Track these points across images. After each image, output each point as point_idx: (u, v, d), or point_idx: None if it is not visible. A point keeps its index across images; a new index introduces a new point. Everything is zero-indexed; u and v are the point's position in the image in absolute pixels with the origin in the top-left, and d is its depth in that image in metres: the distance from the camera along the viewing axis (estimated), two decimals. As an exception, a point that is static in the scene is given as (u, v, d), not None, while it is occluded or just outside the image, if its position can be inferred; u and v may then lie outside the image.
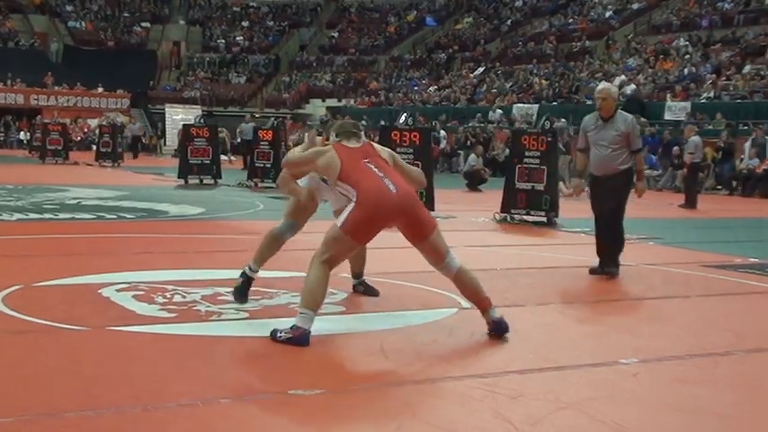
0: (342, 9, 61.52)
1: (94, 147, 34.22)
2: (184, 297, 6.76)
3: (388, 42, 56.07)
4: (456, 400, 4.54)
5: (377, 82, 50.25)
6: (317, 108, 49.71)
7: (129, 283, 7.24)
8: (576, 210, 16.11)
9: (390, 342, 5.58)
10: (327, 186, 6.41)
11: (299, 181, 6.60)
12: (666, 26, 39.67)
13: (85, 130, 44.16)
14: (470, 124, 35.44)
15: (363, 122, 39.06)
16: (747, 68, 31.35)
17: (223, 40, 58.03)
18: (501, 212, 14.01)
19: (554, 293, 7.64)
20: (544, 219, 13.49)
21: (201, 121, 24.66)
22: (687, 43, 36.10)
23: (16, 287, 6.90)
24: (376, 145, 6.05)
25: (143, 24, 58.17)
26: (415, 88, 46.05)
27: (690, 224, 15.32)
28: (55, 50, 53.43)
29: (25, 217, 12.57)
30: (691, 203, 18.50)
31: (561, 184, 16.06)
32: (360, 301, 6.92)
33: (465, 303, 6.26)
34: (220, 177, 22.18)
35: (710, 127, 27.24)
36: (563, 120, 30.65)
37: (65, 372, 4.73)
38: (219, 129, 31.26)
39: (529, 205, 13.68)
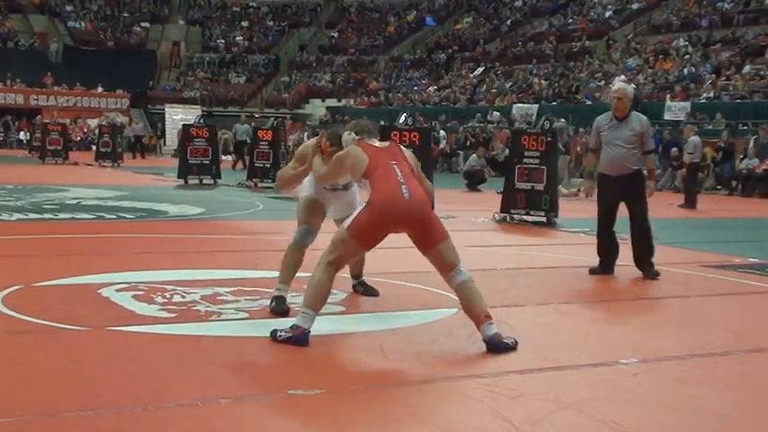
0: (341, 9, 61.54)
1: (94, 147, 34.22)
2: (184, 297, 6.75)
3: (387, 42, 56.09)
4: (456, 401, 4.54)
5: (376, 82, 50.27)
6: (316, 108, 49.76)
7: (128, 283, 7.24)
8: (576, 210, 16.10)
9: (390, 342, 5.58)
10: (329, 193, 6.40)
11: (302, 188, 6.54)
12: (666, 26, 39.69)
13: (85, 130, 44.17)
14: (470, 124, 35.45)
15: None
16: (747, 68, 31.37)
17: (223, 40, 58.05)
18: (500, 212, 14.01)
19: (554, 293, 7.63)
20: (544, 219, 13.49)
21: (201, 121, 24.67)
22: (687, 43, 36.12)
23: (16, 287, 6.90)
24: (402, 147, 5.98)
25: (143, 24, 58.19)
26: (415, 88, 46.07)
27: (689, 224, 15.32)
28: (54, 50, 53.44)
29: (25, 217, 12.57)
30: (690, 203, 18.50)
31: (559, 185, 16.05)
32: (360, 302, 6.92)
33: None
34: (220, 177, 22.19)
35: (710, 127, 27.25)
36: (562, 120, 30.64)
37: (65, 372, 4.73)
38: (224, 131, 31.31)
39: (528, 205, 13.68)
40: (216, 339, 5.55)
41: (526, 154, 13.80)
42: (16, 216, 12.59)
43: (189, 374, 4.76)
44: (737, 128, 26.89)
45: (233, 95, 52.56)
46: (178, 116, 42.57)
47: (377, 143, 5.87)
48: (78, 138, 42.14)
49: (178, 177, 21.85)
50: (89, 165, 29.76)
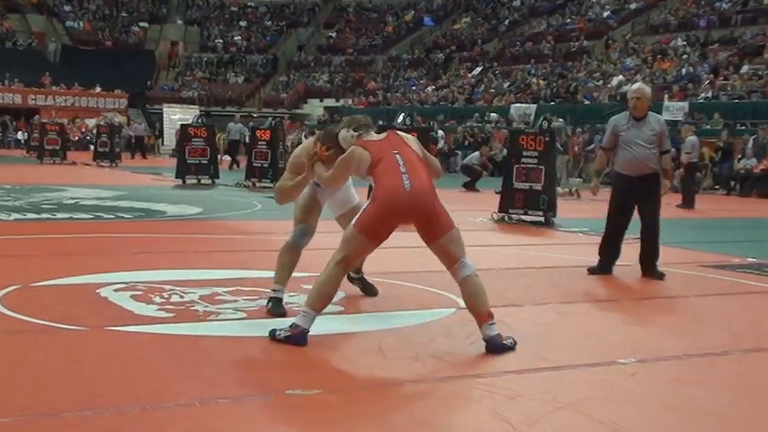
0: (340, 9, 61.56)
1: (92, 147, 34.21)
2: (182, 297, 6.75)
3: (385, 42, 56.10)
4: (454, 400, 4.55)
5: (375, 82, 50.28)
6: (314, 108, 49.77)
7: (126, 282, 7.24)
8: (574, 210, 16.13)
9: (388, 342, 5.58)
10: (326, 191, 6.36)
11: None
12: (664, 26, 39.71)
13: (83, 129, 44.14)
14: (468, 124, 35.45)
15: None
16: (745, 68, 31.38)
17: (221, 40, 58.05)
18: (499, 212, 14.01)
19: (552, 293, 7.64)
20: (542, 218, 13.49)
21: (199, 121, 24.66)
22: (685, 43, 36.14)
23: (14, 287, 6.89)
24: (400, 133, 5.87)
25: (141, 24, 58.21)
26: (413, 88, 46.09)
27: (687, 224, 15.32)
28: (53, 50, 53.45)
29: (23, 217, 12.56)
30: (688, 203, 18.51)
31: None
32: (358, 301, 6.92)
33: (463, 303, 6.25)
34: (218, 177, 22.18)
35: (708, 127, 27.25)
36: (561, 120, 30.65)
37: (63, 372, 4.73)
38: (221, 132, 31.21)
39: (527, 205, 13.69)
40: (214, 339, 5.55)
41: (524, 154, 13.80)
42: (14, 216, 12.59)
43: (187, 374, 4.76)
44: (735, 128, 26.89)
45: (231, 95, 52.57)
46: (176, 116, 42.54)
47: (375, 136, 5.76)
48: (76, 137, 42.11)
49: (176, 177, 21.86)
50: (87, 165, 29.76)
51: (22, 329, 5.63)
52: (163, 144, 44.01)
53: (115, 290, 6.93)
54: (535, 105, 35.02)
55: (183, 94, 51.47)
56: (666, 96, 31.07)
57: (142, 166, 29.83)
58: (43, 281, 7.25)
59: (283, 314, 6.09)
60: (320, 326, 5.56)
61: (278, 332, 5.39)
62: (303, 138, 34.35)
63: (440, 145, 32.73)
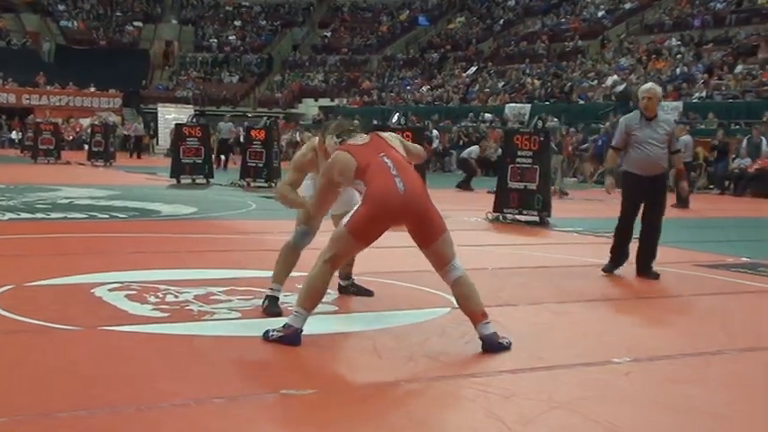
0: (334, 8, 61.54)
1: (86, 146, 34.16)
2: (177, 297, 6.75)
3: (380, 42, 56.10)
4: (448, 400, 4.55)
5: (369, 81, 50.26)
6: (309, 108, 49.73)
7: (121, 282, 7.23)
8: (569, 209, 16.14)
9: (383, 342, 5.58)
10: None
11: (302, 190, 6.44)
12: (659, 26, 39.74)
13: (77, 129, 44.06)
14: (463, 124, 35.46)
15: (356, 122, 39.06)
16: (739, 68, 31.41)
17: (215, 40, 57.99)
18: (493, 212, 14.02)
19: (546, 293, 7.64)
20: (536, 218, 13.50)
21: (194, 120, 24.61)
22: (679, 43, 36.16)
23: (8, 287, 6.89)
24: (383, 134, 5.83)
25: (135, 24, 58.14)
26: (408, 88, 46.08)
27: (682, 224, 15.33)
28: (47, 50, 53.36)
29: (17, 216, 12.54)
30: (683, 203, 18.51)
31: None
32: (352, 301, 6.92)
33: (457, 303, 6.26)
34: (213, 177, 22.18)
35: (703, 127, 27.28)
36: (555, 119, 30.66)
37: (58, 372, 4.72)
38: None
39: (521, 205, 13.69)
40: (209, 339, 5.55)
41: (519, 153, 13.81)
42: (8, 215, 12.57)
43: (182, 374, 4.75)
44: (729, 127, 26.93)
45: (226, 95, 52.52)
46: (171, 115, 42.48)
47: (359, 140, 5.68)
48: (71, 137, 42.03)
49: (171, 177, 21.83)
50: (81, 164, 29.72)
51: (17, 329, 5.62)
52: (157, 144, 43.97)
53: (110, 289, 6.92)
54: (530, 105, 35.04)
55: (178, 93, 51.40)
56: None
57: (136, 166, 29.80)
58: (38, 281, 7.24)
59: (279, 314, 6.08)
60: (314, 326, 5.56)
61: (271, 333, 5.39)
62: (297, 137, 34.39)
63: (435, 144, 32.76)
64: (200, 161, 21.98)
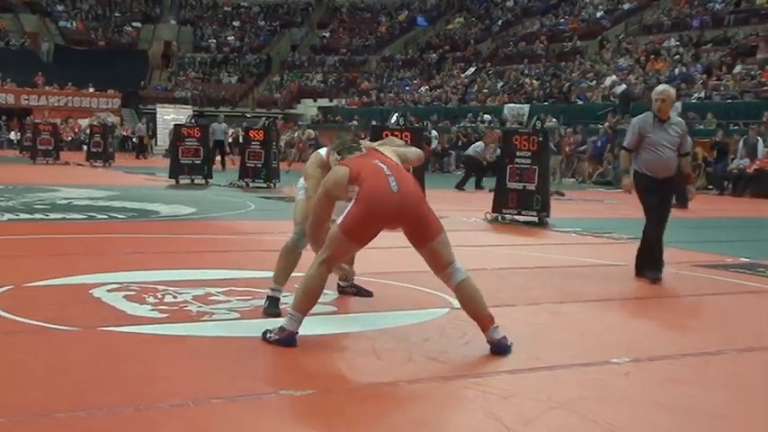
0: (333, 9, 61.55)
1: (85, 147, 34.16)
2: (175, 297, 6.74)
3: (379, 42, 56.12)
4: (448, 400, 4.54)
5: (368, 82, 50.29)
6: (308, 108, 49.75)
7: (120, 283, 7.23)
8: (567, 210, 16.14)
9: (382, 342, 5.58)
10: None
11: (300, 190, 6.42)
12: (657, 26, 39.75)
13: (76, 130, 44.05)
14: (462, 124, 35.47)
15: (354, 122, 39.12)
16: (738, 68, 31.42)
17: (214, 40, 57.99)
18: (492, 212, 14.01)
19: (545, 293, 7.64)
20: (535, 219, 13.49)
21: (193, 121, 24.59)
22: (678, 43, 36.17)
23: (7, 287, 6.88)
24: (379, 147, 5.78)
25: (134, 24, 58.14)
26: (407, 88, 46.11)
27: (681, 224, 15.31)
28: (46, 50, 53.32)
29: (16, 217, 12.54)
30: (682, 203, 18.51)
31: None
32: (351, 302, 6.92)
33: (457, 303, 6.25)
34: (211, 177, 22.17)
35: (701, 127, 27.28)
36: (554, 120, 30.69)
37: (56, 372, 4.72)
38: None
39: (520, 205, 13.69)
40: (207, 340, 5.55)
41: (518, 154, 13.80)
42: (7, 216, 12.56)
43: (180, 375, 4.75)
44: (728, 128, 26.94)
45: (224, 95, 52.51)
46: (169, 116, 42.48)
47: (357, 154, 5.66)
48: (69, 138, 42.01)
49: (169, 177, 21.83)
50: (80, 165, 29.71)
51: (16, 330, 5.62)
52: (156, 144, 43.97)
53: (108, 290, 6.92)
54: (528, 105, 35.06)
55: (177, 94, 51.38)
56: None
57: (135, 167, 29.79)
58: (36, 281, 7.24)
59: (278, 314, 6.08)
60: (313, 326, 5.56)
61: (269, 334, 5.39)
62: (296, 137, 34.36)
63: (433, 145, 32.77)
64: (198, 162, 21.97)
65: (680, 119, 8.82)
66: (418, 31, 55.78)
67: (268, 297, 6.31)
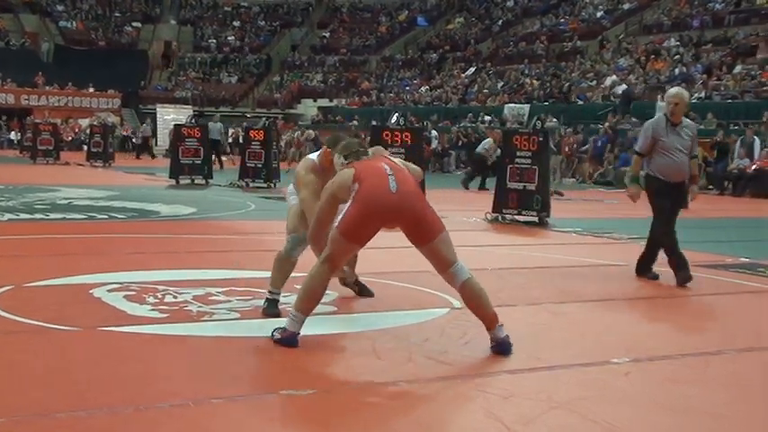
0: (333, 9, 61.56)
1: (85, 147, 34.17)
2: (176, 297, 6.74)
3: (379, 42, 56.13)
4: (448, 401, 4.54)
5: (368, 82, 50.30)
6: (308, 108, 49.76)
7: (120, 283, 7.23)
8: (568, 210, 16.14)
9: (382, 342, 5.58)
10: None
11: (292, 196, 6.39)
12: (657, 26, 39.75)
13: (76, 130, 44.07)
14: (462, 124, 35.47)
15: (355, 122, 39.14)
16: (738, 69, 31.42)
17: (214, 40, 58.01)
18: (492, 212, 14.01)
19: (545, 293, 7.64)
20: (536, 219, 13.50)
21: (193, 121, 24.59)
22: (678, 43, 36.17)
23: (7, 287, 6.89)
24: (385, 152, 5.82)
25: (134, 24, 58.16)
26: (407, 88, 46.11)
27: (680, 224, 15.26)
28: (46, 50, 53.34)
29: (16, 217, 12.54)
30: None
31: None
32: (351, 302, 6.92)
33: (457, 303, 6.25)
34: (211, 177, 22.17)
35: (702, 127, 27.25)
36: (554, 120, 30.65)
37: (56, 372, 4.72)
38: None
39: (520, 205, 13.68)
40: (208, 340, 5.55)
41: (518, 154, 13.80)
42: (7, 216, 12.56)
43: (181, 375, 4.75)
44: (728, 128, 26.94)
45: (224, 95, 52.52)
46: (169, 116, 42.50)
47: (364, 158, 5.67)
48: (69, 138, 42.02)
49: (169, 177, 21.83)
50: (80, 165, 29.71)
51: (16, 330, 5.62)
52: (156, 144, 43.99)
53: (109, 290, 6.92)
54: (528, 105, 35.05)
55: (177, 94, 51.39)
56: (660, 96, 31.07)
57: (135, 167, 29.79)
58: (36, 281, 7.24)
59: (277, 315, 6.08)
60: (314, 326, 5.56)
61: (273, 333, 5.40)
62: (295, 137, 34.36)
63: (433, 145, 32.78)
64: (198, 162, 21.99)
65: (691, 122, 8.72)
66: (418, 31, 55.79)
67: (267, 299, 6.31)
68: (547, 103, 34.77)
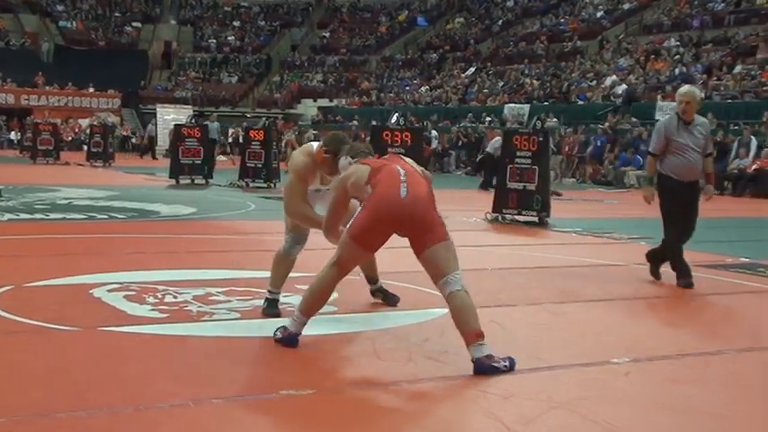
0: (333, 9, 61.56)
1: (85, 147, 34.16)
2: (176, 297, 6.75)
3: (379, 42, 56.12)
4: (448, 401, 4.55)
5: (368, 82, 50.29)
6: (308, 108, 49.74)
7: (120, 283, 7.23)
8: (568, 210, 16.15)
9: (382, 342, 5.58)
10: (313, 194, 6.27)
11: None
12: (657, 26, 39.74)
13: (76, 130, 44.06)
14: (462, 124, 35.46)
15: (355, 123, 39.13)
16: (738, 69, 31.40)
17: (214, 40, 57.98)
18: (492, 212, 14.01)
19: (546, 293, 7.64)
20: (536, 219, 13.50)
21: (193, 121, 24.59)
22: (678, 43, 36.16)
23: (7, 287, 6.89)
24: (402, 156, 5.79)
25: (134, 24, 58.13)
26: (407, 88, 46.10)
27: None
28: (46, 50, 53.33)
29: (16, 217, 12.54)
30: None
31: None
32: (352, 302, 6.90)
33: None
34: (212, 177, 22.17)
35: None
36: (554, 120, 30.67)
37: (56, 372, 4.72)
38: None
39: (520, 205, 13.69)
40: (208, 340, 5.55)
41: (518, 154, 13.80)
42: (7, 216, 12.56)
43: (180, 375, 4.75)
44: (729, 128, 26.95)
45: (225, 95, 52.50)
46: (169, 116, 42.44)
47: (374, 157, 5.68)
48: (69, 138, 42.00)
49: (169, 177, 21.83)
50: (80, 165, 29.70)
51: (16, 330, 5.62)
52: (156, 144, 43.97)
53: (109, 290, 6.93)
54: (528, 105, 35.03)
55: (177, 94, 51.33)
56: (660, 96, 31.09)
57: (135, 167, 29.78)
58: (36, 281, 7.24)
59: (277, 315, 6.09)
60: (314, 326, 5.55)
61: (276, 332, 5.40)
62: (292, 138, 34.36)
63: (434, 145, 32.77)
64: (198, 162, 21.98)
65: (704, 119, 8.64)
66: (418, 31, 55.78)
67: (267, 299, 6.31)
68: (547, 103, 34.76)
